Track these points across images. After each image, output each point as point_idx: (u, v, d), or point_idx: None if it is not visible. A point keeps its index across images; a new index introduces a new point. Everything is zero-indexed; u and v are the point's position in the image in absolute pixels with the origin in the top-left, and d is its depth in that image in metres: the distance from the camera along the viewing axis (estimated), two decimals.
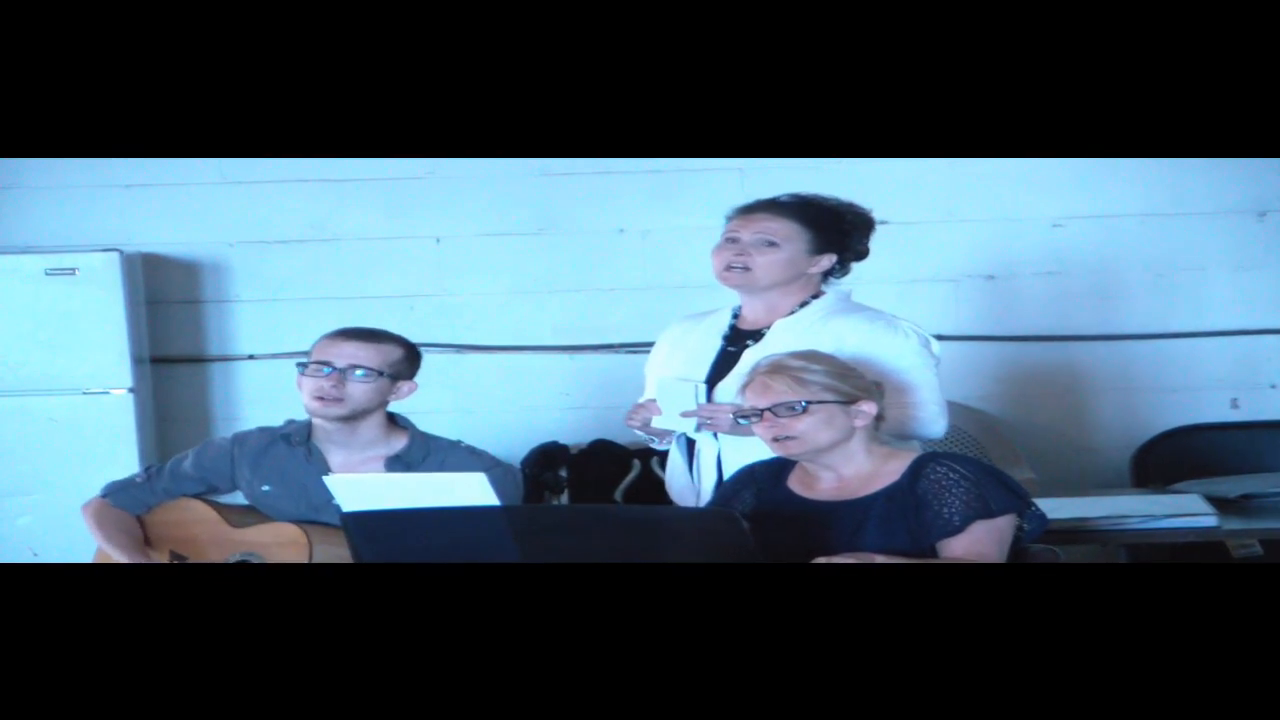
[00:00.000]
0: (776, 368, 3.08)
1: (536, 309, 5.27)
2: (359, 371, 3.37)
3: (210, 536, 3.47)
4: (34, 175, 5.15)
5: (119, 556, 3.44)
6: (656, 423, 3.39)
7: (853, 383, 3.08)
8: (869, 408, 3.07)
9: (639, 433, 3.48)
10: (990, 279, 5.18)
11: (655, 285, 5.23)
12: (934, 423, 3.36)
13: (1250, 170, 5.06)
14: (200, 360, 5.29)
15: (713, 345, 3.46)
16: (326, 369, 3.37)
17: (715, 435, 3.38)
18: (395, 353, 3.42)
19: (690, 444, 3.46)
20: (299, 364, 3.42)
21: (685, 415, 3.35)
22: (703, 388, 3.36)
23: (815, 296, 3.45)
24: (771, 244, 3.39)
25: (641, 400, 3.47)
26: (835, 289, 3.49)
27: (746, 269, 3.40)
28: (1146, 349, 5.22)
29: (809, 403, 3.02)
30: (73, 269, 4.91)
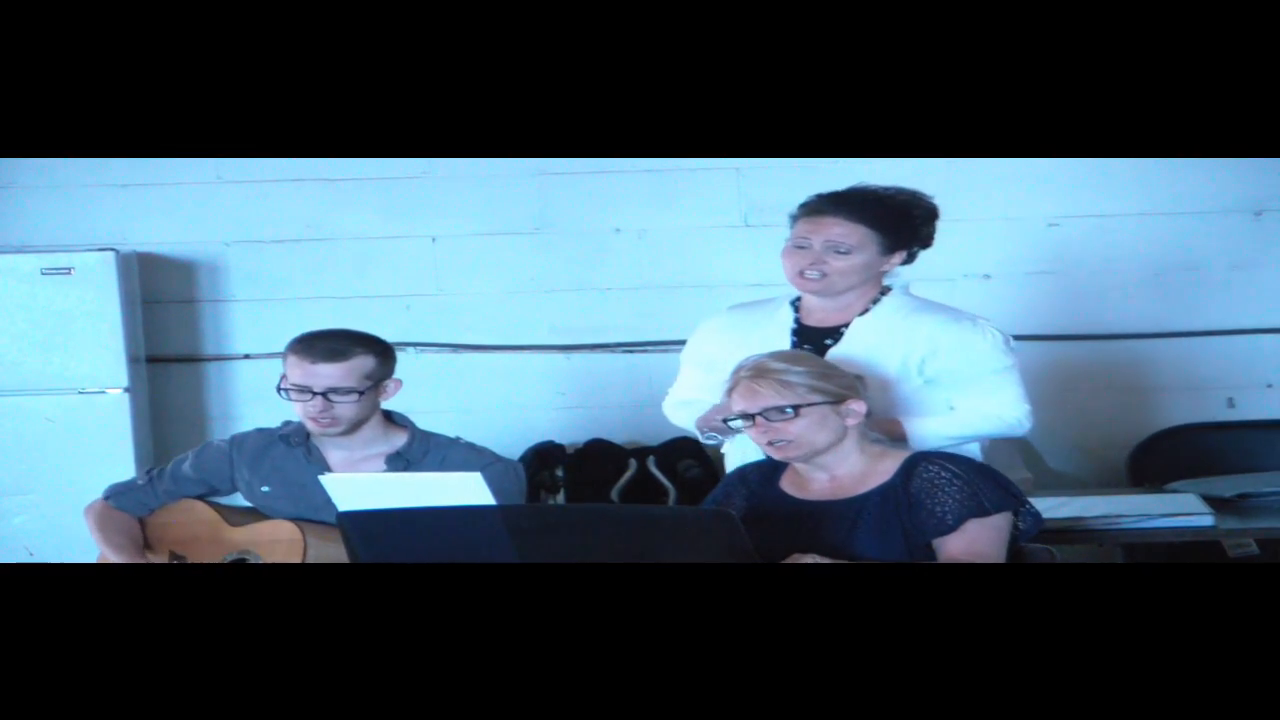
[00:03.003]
0: (760, 370, 3.04)
1: (533, 308, 5.26)
2: (339, 394, 3.36)
3: (210, 536, 3.47)
4: (29, 174, 5.14)
5: (117, 560, 3.43)
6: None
7: (837, 381, 3.06)
8: (858, 406, 3.05)
9: (717, 436, 3.41)
10: (987, 278, 5.17)
11: (651, 285, 5.23)
12: (1024, 423, 3.38)
13: (1246, 170, 5.06)
14: (196, 360, 5.28)
15: (783, 343, 3.37)
16: (307, 395, 3.36)
17: None
18: (367, 363, 3.38)
19: None
20: (279, 388, 3.39)
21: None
22: None
23: (883, 291, 3.43)
24: (842, 252, 3.34)
25: (676, 392, 3.51)
26: (896, 282, 3.46)
27: (823, 275, 3.35)
28: (1143, 348, 5.22)
29: (798, 406, 3.01)
30: (68, 268, 4.90)
